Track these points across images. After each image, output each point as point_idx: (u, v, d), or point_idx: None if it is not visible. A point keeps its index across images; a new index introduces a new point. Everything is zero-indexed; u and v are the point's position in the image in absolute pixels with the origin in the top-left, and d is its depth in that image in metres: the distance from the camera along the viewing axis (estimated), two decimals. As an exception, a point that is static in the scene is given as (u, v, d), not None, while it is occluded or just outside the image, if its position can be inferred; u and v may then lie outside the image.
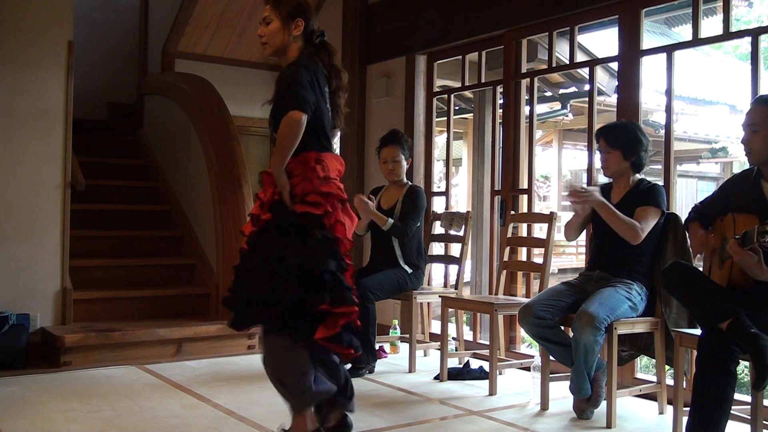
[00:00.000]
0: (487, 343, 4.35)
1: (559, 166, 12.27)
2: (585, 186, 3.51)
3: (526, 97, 4.77)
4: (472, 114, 7.86)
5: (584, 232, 3.96)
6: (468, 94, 7.28)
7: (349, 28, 5.71)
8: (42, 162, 4.56)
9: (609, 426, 3.25)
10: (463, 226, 4.59)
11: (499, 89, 4.86)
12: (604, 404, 3.35)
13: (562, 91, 8.44)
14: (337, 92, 2.80)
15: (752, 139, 2.83)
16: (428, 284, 5.07)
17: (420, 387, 3.98)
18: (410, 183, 4.56)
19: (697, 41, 3.87)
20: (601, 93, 6.63)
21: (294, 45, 2.77)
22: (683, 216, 3.34)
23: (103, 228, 5.51)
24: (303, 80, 2.63)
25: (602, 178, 3.73)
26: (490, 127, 5.81)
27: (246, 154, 5.30)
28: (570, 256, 11.76)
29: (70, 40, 4.67)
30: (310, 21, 2.78)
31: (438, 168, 7.96)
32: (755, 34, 3.54)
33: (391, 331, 4.96)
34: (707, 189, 12.53)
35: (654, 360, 3.62)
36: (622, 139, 3.49)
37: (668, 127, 3.93)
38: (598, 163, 3.64)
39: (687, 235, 3.25)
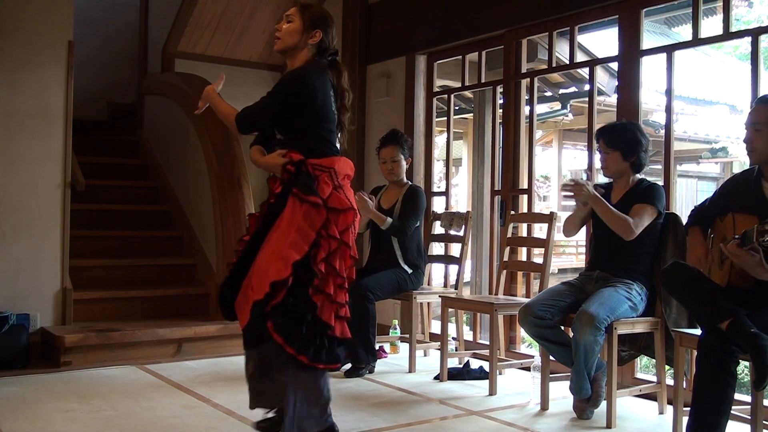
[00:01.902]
0: (487, 343, 4.35)
1: (559, 166, 12.28)
2: (582, 179, 3.52)
3: (526, 97, 4.77)
4: (472, 114, 7.86)
5: (584, 231, 3.96)
6: (468, 94, 7.28)
7: (349, 28, 5.71)
8: (42, 162, 4.56)
9: (609, 426, 3.25)
10: (463, 226, 4.59)
11: (499, 89, 4.86)
12: (604, 404, 3.35)
13: (562, 91, 8.44)
14: (341, 110, 2.85)
15: (755, 138, 2.83)
16: (428, 284, 5.07)
17: (420, 387, 3.98)
18: (410, 183, 4.56)
19: (697, 41, 3.87)
20: (601, 93, 6.63)
21: (304, 51, 2.82)
22: (683, 216, 3.34)
23: (103, 228, 5.51)
24: (276, 98, 2.76)
25: (602, 178, 3.73)
26: (490, 127, 5.80)
27: (246, 154, 5.29)
28: (570, 256, 11.78)
29: (70, 40, 4.67)
30: (328, 36, 2.84)
31: (438, 168, 7.96)
32: (755, 34, 3.54)
33: (391, 331, 4.96)
34: (707, 189, 12.54)
35: (654, 360, 3.62)
36: (622, 140, 3.49)
37: (668, 127, 3.93)
38: (598, 163, 3.64)
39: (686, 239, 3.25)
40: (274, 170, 2.79)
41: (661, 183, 3.67)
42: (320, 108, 2.74)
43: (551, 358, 3.53)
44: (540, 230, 5.14)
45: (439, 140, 6.99)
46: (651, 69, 4.35)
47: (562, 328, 3.49)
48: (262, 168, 2.91)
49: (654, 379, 3.69)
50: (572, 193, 3.45)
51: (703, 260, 2.98)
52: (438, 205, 5.40)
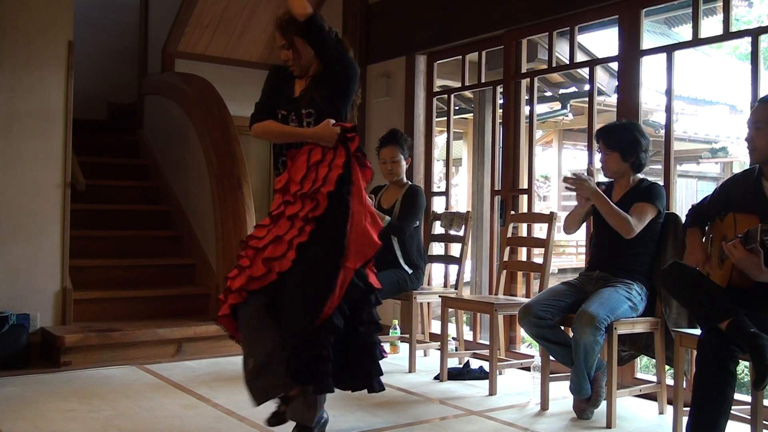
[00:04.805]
0: (487, 343, 4.35)
1: (559, 166, 12.28)
2: (577, 174, 3.52)
3: (526, 97, 4.77)
4: (472, 114, 7.86)
5: (584, 231, 3.97)
6: (468, 94, 7.28)
7: (349, 28, 5.71)
8: (42, 162, 4.56)
9: (609, 426, 3.25)
10: (463, 226, 4.59)
11: (499, 89, 4.86)
12: (604, 404, 3.35)
13: (562, 91, 8.44)
14: None
15: (756, 137, 2.83)
16: (428, 284, 5.07)
17: (420, 387, 3.98)
18: (410, 183, 4.56)
19: (697, 41, 3.87)
20: (601, 93, 6.63)
21: (315, 58, 2.92)
22: (683, 216, 3.34)
23: (103, 228, 5.51)
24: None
25: (602, 178, 3.72)
26: (490, 127, 5.81)
27: (246, 154, 5.31)
28: (570, 256, 11.76)
29: (70, 40, 4.67)
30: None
31: (438, 168, 7.96)
32: (755, 34, 3.54)
33: (391, 331, 4.96)
34: (707, 189, 12.51)
35: (654, 360, 3.62)
36: (621, 140, 3.49)
37: (668, 127, 3.93)
38: (598, 163, 3.64)
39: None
40: (327, 140, 2.81)
41: (661, 183, 3.67)
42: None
43: (551, 358, 3.52)
44: (540, 230, 5.15)
45: (439, 140, 6.99)
46: (651, 69, 4.36)
47: (562, 328, 3.49)
48: (310, 138, 2.84)
49: (654, 379, 3.69)
50: (574, 187, 3.44)
51: (701, 266, 2.99)
52: (438, 205, 5.40)
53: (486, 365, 4.10)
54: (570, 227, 3.66)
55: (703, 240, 3.09)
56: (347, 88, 2.91)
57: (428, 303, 4.94)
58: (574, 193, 3.53)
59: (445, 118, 5.40)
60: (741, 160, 11.36)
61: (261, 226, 2.88)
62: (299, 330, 2.66)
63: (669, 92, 3.90)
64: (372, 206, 2.90)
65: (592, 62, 4.45)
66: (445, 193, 5.35)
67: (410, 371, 4.35)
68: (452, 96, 5.37)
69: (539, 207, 10.94)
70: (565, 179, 3.51)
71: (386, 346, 4.88)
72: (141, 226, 5.73)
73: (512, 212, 4.56)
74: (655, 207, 3.40)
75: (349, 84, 2.91)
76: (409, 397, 3.76)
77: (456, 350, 4.67)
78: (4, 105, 4.45)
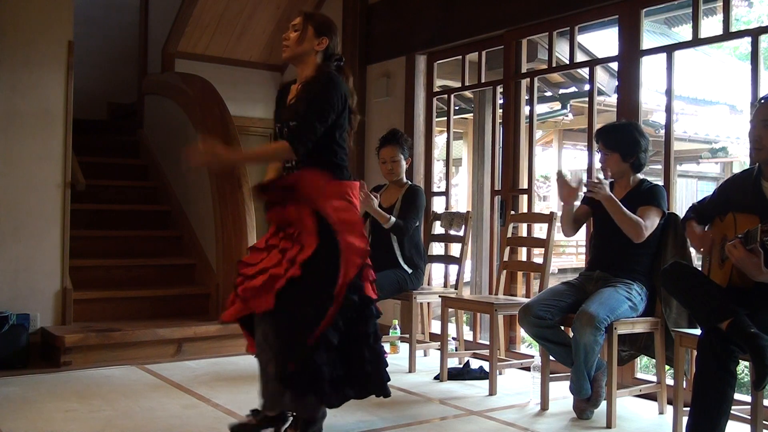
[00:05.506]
0: (487, 343, 4.35)
1: (559, 166, 12.27)
2: (600, 178, 3.49)
3: (526, 97, 4.77)
4: (472, 114, 7.85)
5: (584, 231, 3.96)
6: (468, 94, 7.28)
7: (349, 28, 5.71)
8: (42, 162, 4.56)
9: (609, 426, 3.25)
10: (463, 226, 4.59)
11: (499, 89, 4.86)
12: (604, 404, 3.36)
13: (562, 91, 8.44)
14: (350, 113, 2.98)
15: (764, 135, 2.78)
16: (428, 284, 5.07)
17: (420, 387, 3.98)
18: (410, 182, 4.56)
19: (697, 41, 3.87)
20: (601, 93, 6.62)
21: (312, 58, 2.95)
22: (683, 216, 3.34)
23: (103, 228, 5.51)
24: (327, 109, 2.82)
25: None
26: (490, 127, 5.80)
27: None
28: (570, 256, 11.77)
29: (70, 40, 4.67)
30: (333, 42, 2.98)
31: (438, 168, 7.96)
32: (755, 34, 3.54)
33: (391, 331, 4.96)
34: (707, 189, 12.51)
35: (654, 360, 3.62)
36: (620, 141, 3.48)
37: (668, 127, 3.93)
38: (598, 163, 3.64)
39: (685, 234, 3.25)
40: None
41: (661, 183, 3.67)
42: (340, 113, 2.88)
43: (551, 358, 3.52)
44: (540, 230, 5.14)
45: (439, 140, 6.98)
46: (651, 69, 4.35)
47: (562, 328, 3.49)
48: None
49: (654, 379, 3.69)
50: (594, 190, 3.38)
51: (707, 237, 2.99)
52: (438, 205, 5.40)
53: (486, 365, 4.10)
54: (566, 230, 3.64)
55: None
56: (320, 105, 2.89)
57: (428, 303, 4.94)
58: (580, 194, 3.53)
59: (445, 118, 5.40)
60: (741, 160, 11.36)
61: (256, 249, 2.94)
62: (292, 347, 2.69)
63: (669, 92, 3.90)
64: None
65: (592, 62, 4.45)
66: (445, 193, 5.35)
67: (410, 371, 4.35)
68: (452, 96, 5.37)
69: (539, 207, 10.93)
70: (589, 183, 3.45)
71: (386, 346, 4.88)
72: (141, 226, 5.73)
73: (512, 212, 4.56)
74: (661, 209, 3.40)
75: (324, 101, 2.86)
76: (409, 397, 3.76)
77: (456, 350, 4.67)
78: (4, 105, 4.45)
